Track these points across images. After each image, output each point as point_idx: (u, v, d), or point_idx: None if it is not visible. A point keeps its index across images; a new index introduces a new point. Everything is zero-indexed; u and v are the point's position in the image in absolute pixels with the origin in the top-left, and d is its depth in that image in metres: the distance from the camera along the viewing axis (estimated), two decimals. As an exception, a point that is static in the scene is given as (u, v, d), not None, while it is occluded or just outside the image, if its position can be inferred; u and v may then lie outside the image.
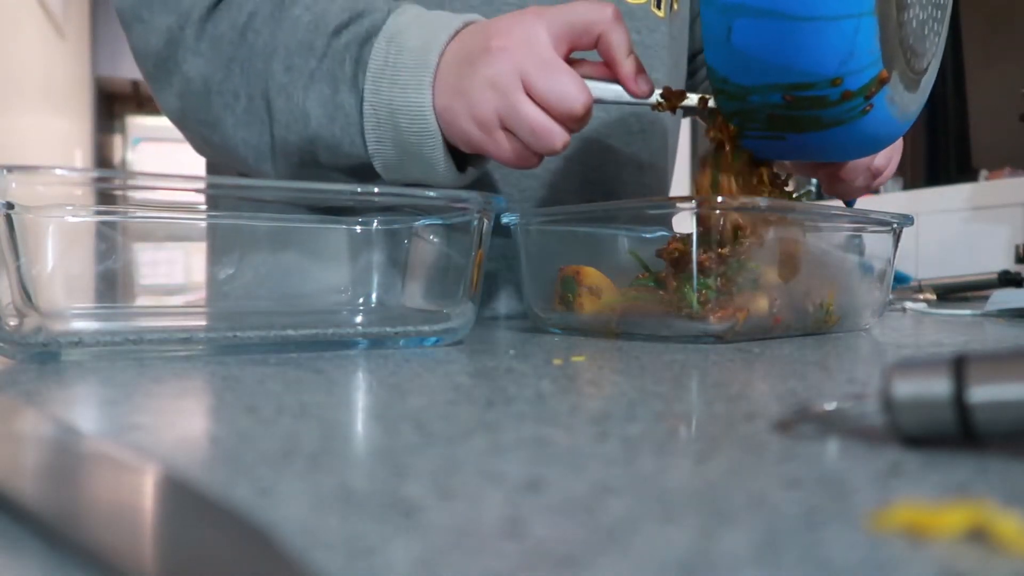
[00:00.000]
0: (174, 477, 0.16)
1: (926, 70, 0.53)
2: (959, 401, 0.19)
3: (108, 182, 0.43)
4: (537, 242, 0.56)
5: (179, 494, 0.15)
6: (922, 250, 2.08)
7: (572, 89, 0.48)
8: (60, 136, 3.47)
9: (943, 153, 2.59)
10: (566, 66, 0.49)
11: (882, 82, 0.46)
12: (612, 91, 0.51)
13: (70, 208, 0.40)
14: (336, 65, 0.53)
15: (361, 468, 0.19)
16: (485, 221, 0.47)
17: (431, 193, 0.46)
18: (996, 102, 2.26)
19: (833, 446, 0.21)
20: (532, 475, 0.18)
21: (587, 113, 0.49)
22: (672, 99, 0.52)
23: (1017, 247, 1.72)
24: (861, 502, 0.16)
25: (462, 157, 0.54)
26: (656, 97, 0.52)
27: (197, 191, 0.43)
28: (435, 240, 0.50)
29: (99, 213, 0.42)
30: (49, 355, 0.37)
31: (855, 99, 0.46)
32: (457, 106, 0.50)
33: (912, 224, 0.61)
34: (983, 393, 0.19)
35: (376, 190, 0.44)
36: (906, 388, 0.20)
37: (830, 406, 0.22)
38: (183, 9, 0.56)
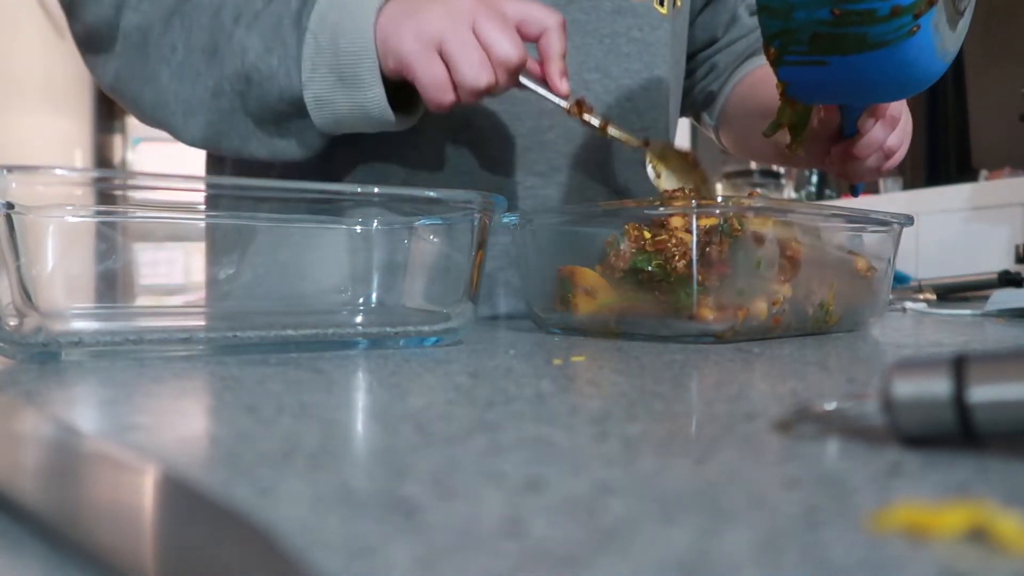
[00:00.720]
0: (174, 477, 0.16)
1: (963, 13, 0.53)
2: (959, 401, 0.19)
3: (108, 182, 0.43)
4: (537, 242, 0.56)
5: (179, 494, 0.15)
6: (922, 250, 2.07)
7: (513, 44, 0.53)
8: (60, 136, 3.47)
9: (943, 153, 2.59)
10: (514, 29, 0.54)
11: (931, 2, 0.45)
12: (538, 83, 0.57)
13: (70, 208, 0.40)
14: (282, 5, 0.55)
15: (361, 468, 0.19)
16: (485, 221, 0.47)
17: (431, 193, 0.46)
18: (996, 102, 2.26)
19: (833, 446, 0.21)
20: (532, 475, 0.18)
21: (517, 69, 0.54)
22: (583, 108, 0.58)
23: (1017, 247, 1.72)
24: (861, 502, 0.16)
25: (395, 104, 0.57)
26: (569, 102, 0.58)
27: (197, 191, 0.43)
28: (435, 240, 0.50)
29: (99, 213, 0.42)
30: (49, 355, 0.37)
31: (904, 16, 0.45)
32: (402, 24, 0.53)
33: (912, 224, 0.61)
34: (983, 393, 0.19)
35: (376, 190, 0.44)
36: (906, 388, 0.20)
37: (830, 406, 0.22)
38: None
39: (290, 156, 0.60)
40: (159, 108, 0.59)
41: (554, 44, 0.56)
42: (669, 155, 0.64)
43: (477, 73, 0.52)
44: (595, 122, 0.59)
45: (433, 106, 0.54)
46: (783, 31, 0.49)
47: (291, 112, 0.56)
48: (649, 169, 0.63)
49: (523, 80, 0.56)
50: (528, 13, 0.55)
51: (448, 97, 0.53)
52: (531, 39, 0.56)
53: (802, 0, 0.47)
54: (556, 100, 0.57)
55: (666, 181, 0.63)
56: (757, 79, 0.80)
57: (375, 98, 0.54)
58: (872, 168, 0.69)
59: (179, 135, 0.60)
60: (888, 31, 0.46)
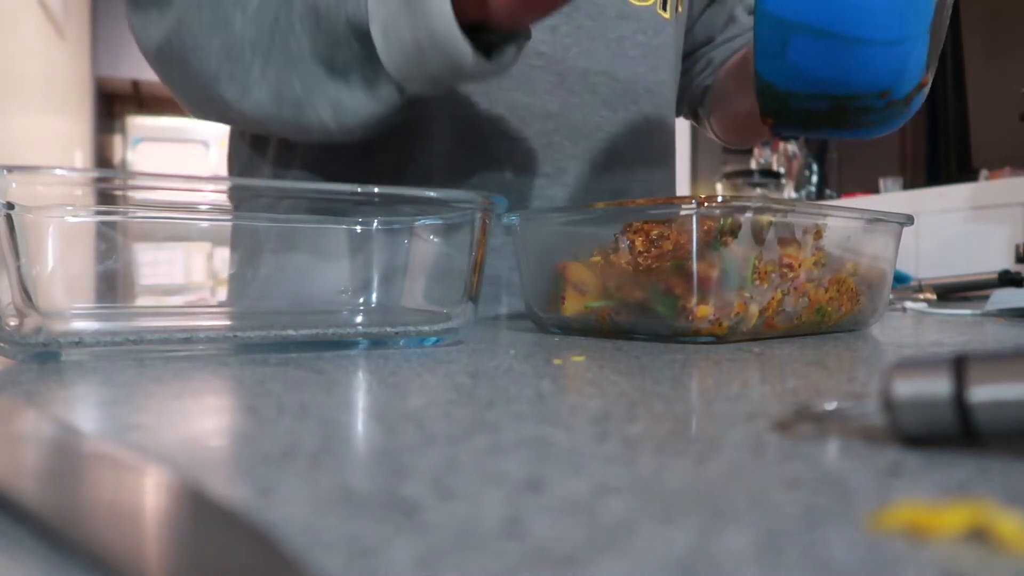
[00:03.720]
0: (174, 477, 0.16)
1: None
2: (959, 401, 0.19)
3: (108, 182, 0.43)
4: (537, 242, 0.56)
5: (179, 494, 0.15)
6: (922, 250, 2.08)
7: None
8: (60, 136, 3.47)
9: (943, 153, 2.59)
10: None
11: (923, 87, 0.48)
12: None
13: (70, 208, 0.40)
14: None
15: (361, 468, 0.19)
16: (485, 221, 0.47)
17: (431, 193, 0.46)
18: (996, 102, 2.26)
19: (833, 446, 0.21)
20: (532, 475, 0.18)
21: None
22: None
23: (1017, 247, 1.72)
24: (861, 502, 0.16)
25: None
26: None
27: (197, 191, 0.43)
28: (435, 240, 0.50)
29: (99, 213, 0.42)
30: (49, 355, 0.37)
31: (898, 106, 0.48)
32: None
33: (912, 224, 0.61)
34: (983, 393, 0.19)
35: (376, 190, 0.44)
36: (906, 388, 0.20)
37: (830, 406, 0.22)
38: None
39: (356, 112, 0.55)
40: (229, 60, 0.55)
41: None
42: None
43: None
44: None
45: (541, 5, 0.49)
46: (779, 111, 0.51)
47: (360, 55, 0.52)
48: None
49: None
50: None
51: None
52: None
53: (803, 94, 0.48)
54: None
55: None
56: (738, 58, 0.79)
57: (440, 10, 0.47)
58: None
59: (246, 92, 0.56)
60: (882, 117, 0.50)
